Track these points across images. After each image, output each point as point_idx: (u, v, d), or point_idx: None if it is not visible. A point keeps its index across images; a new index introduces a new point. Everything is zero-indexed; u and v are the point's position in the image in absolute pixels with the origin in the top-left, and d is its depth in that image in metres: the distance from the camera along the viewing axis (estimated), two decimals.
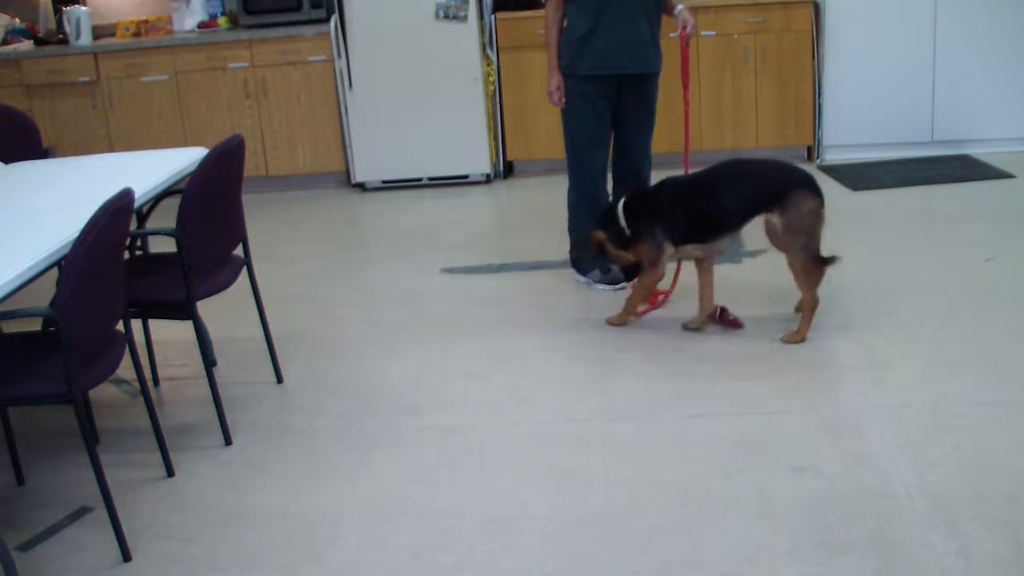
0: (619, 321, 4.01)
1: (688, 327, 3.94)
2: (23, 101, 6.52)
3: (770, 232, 3.73)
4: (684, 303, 4.18)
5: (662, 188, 3.93)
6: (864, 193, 5.60)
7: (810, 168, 5.92)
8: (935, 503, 2.69)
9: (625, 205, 3.95)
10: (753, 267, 4.56)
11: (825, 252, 3.69)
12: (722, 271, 4.21)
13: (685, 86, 4.27)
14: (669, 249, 3.83)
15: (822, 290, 3.96)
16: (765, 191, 3.70)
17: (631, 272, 4.12)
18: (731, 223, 3.77)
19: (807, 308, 3.72)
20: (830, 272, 3.84)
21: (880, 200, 5.47)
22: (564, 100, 4.33)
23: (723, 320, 3.94)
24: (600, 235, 3.99)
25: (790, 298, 3.99)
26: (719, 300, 3.97)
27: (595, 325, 4.13)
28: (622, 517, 2.76)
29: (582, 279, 4.54)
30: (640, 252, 3.88)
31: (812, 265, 3.66)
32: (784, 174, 3.74)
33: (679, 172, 4.48)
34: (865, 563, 2.47)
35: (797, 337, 3.71)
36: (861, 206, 5.38)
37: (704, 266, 3.92)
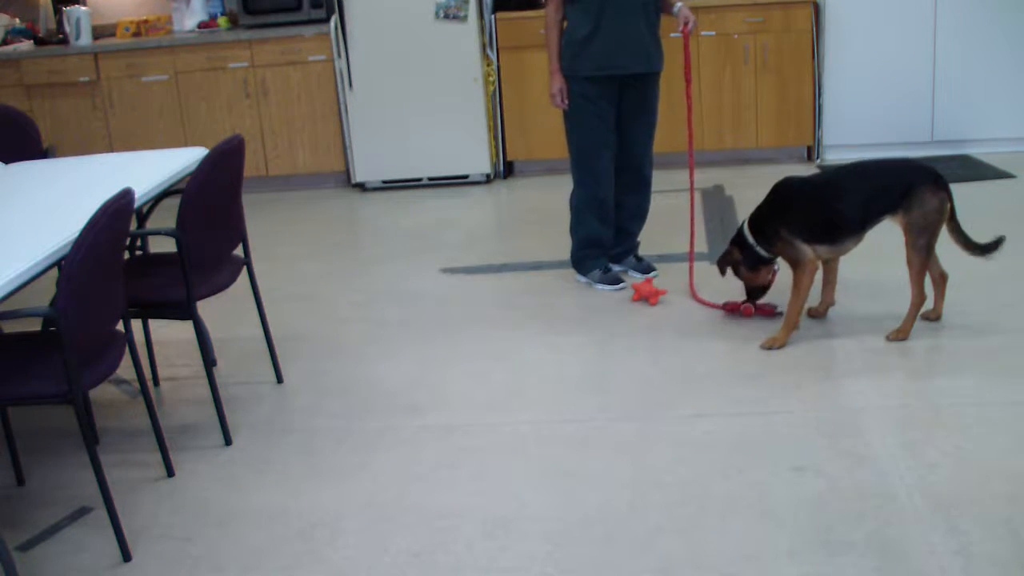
0: (779, 343, 3.72)
1: (812, 315, 3.93)
2: (23, 101, 6.52)
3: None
4: (683, 302, 4.18)
5: (780, 190, 3.81)
6: None
7: (809, 168, 5.94)
8: (935, 503, 2.69)
9: (751, 222, 3.85)
10: None
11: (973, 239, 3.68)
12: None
13: (687, 81, 4.27)
14: (806, 247, 3.69)
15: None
16: (888, 194, 3.62)
17: (755, 295, 4.00)
18: (854, 226, 3.69)
19: (914, 305, 3.66)
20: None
21: None
22: (567, 102, 4.32)
23: (760, 312, 3.99)
24: (738, 253, 3.88)
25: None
26: (729, 296, 4.00)
27: (595, 325, 4.13)
28: (622, 517, 2.76)
29: (583, 279, 4.54)
30: (781, 254, 3.80)
31: (926, 265, 3.63)
32: (907, 173, 3.65)
33: (684, 172, 4.49)
34: (865, 563, 2.47)
35: (902, 335, 3.67)
36: None
37: (830, 264, 3.90)
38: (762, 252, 3.82)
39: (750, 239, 3.83)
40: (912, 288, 3.65)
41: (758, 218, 3.84)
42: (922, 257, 3.61)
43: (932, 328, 3.77)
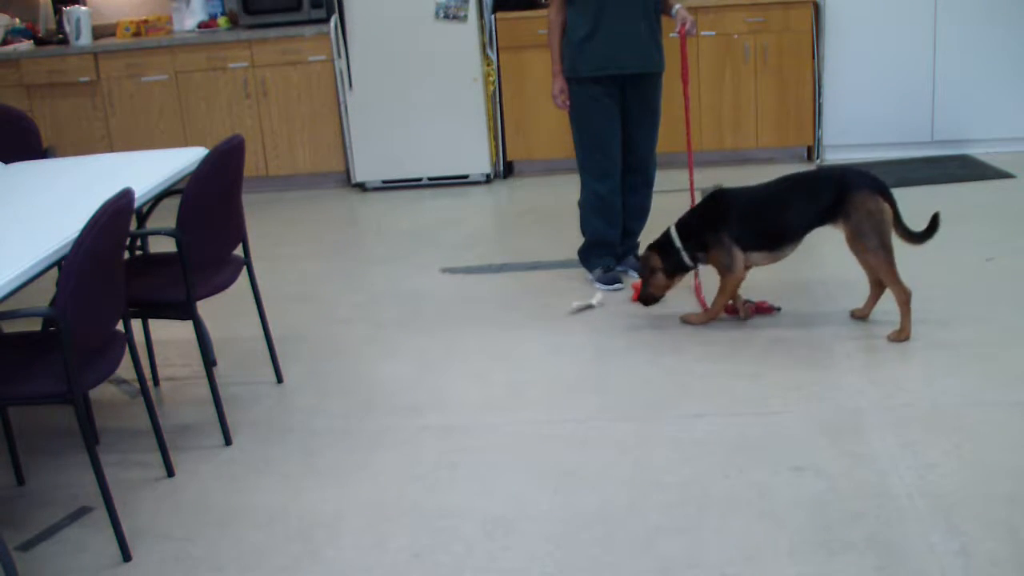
0: (698, 320, 3.96)
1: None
2: (23, 101, 6.52)
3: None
4: (684, 302, 4.18)
5: (717, 198, 3.89)
6: None
7: (809, 168, 5.93)
8: (935, 503, 2.69)
9: (679, 227, 3.92)
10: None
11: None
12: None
13: (685, 82, 4.28)
14: (740, 254, 3.79)
15: (821, 290, 3.97)
16: (825, 203, 3.69)
17: (649, 302, 4.05)
18: (792, 235, 3.79)
19: (902, 303, 3.67)
20: (830, 272, 3.84)
21: None
22: (568, 103, 4.33)
23: (760, 311, 4.00)
24: (656, 260, 3.94)
25: (790, 297, 3.99)
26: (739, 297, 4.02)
27: (595, 325, 4.13)
28: (622, 517, 2.76)
29: (589, 276, 4.55)
30: (713, 260, 3.87)
31: (892, 261, 3.65)
32: (839, 182, 3.70)
33: (683, 172, 4.49)
34: (865, 563, 2.47)
35: (903, 335, 3.66)
36: None
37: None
38: (686, 259, 3.89)
39: (677, 243, 3.89)
40: (891, 289, 3.68)
41: (689, 224, 3.90)
42: (881, 257, 3.65)
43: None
